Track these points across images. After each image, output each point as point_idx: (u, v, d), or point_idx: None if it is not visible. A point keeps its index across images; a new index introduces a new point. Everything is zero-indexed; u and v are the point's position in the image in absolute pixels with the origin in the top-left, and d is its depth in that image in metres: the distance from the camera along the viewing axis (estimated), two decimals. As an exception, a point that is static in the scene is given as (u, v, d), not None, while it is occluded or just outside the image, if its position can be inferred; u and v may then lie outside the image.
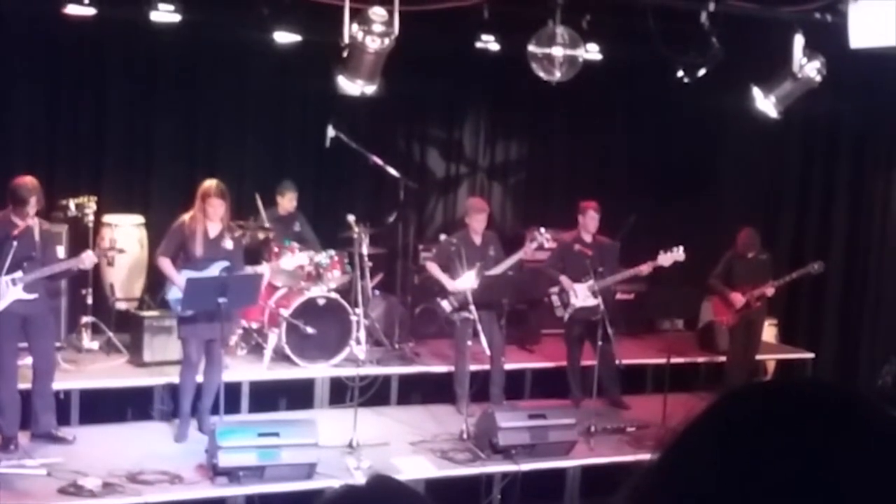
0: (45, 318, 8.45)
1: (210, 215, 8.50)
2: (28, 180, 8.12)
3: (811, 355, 12.18)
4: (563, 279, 10.12)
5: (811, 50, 9.28)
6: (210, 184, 8.59)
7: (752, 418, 1.01)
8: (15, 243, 7.87)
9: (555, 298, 10.25)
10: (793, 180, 13.11)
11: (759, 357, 11.40)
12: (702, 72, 9.61)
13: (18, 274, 8.00)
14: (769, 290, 10.79)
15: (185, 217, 8.60)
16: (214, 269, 8.54)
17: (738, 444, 0.99)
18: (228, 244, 8.64)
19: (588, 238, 10.27)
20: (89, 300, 9.91)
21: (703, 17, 8.88)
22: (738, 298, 10.69)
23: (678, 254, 9.96)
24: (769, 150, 12.89)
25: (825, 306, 12.57)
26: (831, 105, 11.49)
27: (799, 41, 9.18)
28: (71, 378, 9.11)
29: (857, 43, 7.26)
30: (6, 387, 8.10)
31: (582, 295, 10.01)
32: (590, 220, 10.22)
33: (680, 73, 9.77)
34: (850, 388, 1.04)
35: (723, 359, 11.26)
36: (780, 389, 1.08)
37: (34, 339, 8.25)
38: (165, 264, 8.59)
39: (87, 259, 8.42)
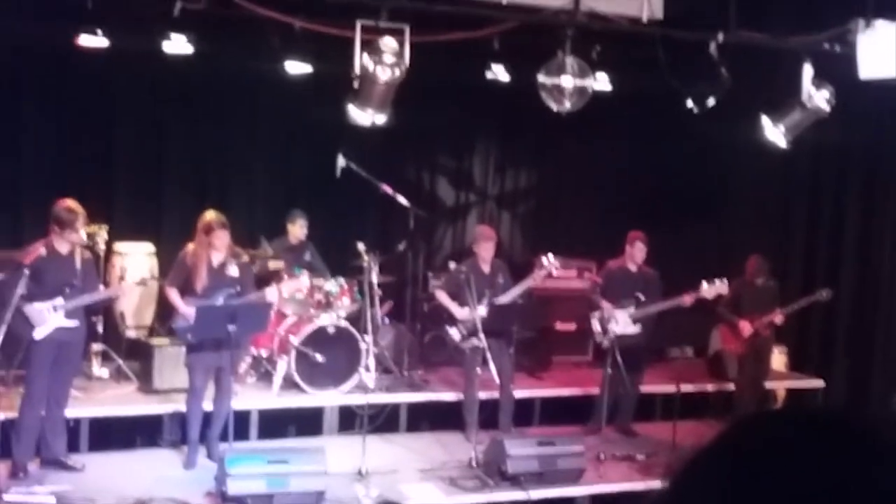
0: (79, 347, 8.47)
1: (217, 247, 8.53)
2: (72, 203, 8.09)
3: (821, 383, 12.15)
4: (605, 304, 10.11)
5: (820, 80, 9.30)
6: (211, 217, 8.57)
7: (762, 446, 1.01)
8: (27, 271, 7.84)
9: (595, 324, 10.25)
10: (803, 209, 13.11)
11: (768, 385, 11.37)
12: (711, 101, 9.65)
13: (59, 301, 8.02)
14: (778, 318, 10.77)
15: (189, 248, 8.61)
16: (220, 298, 8.56)
17: (749, 472, 0.99)
18: (234, 271, 8.66)
19: (633, 268, 10.28)
20: (100, 328, 9.93)
21: (712, 47, 8.91)
22: (747, 326, 10.68)
23: (722, 286, 9.97)
24: (779, 179, 12.90)
25: (835, 334, 12.54)
26: (841, 134, 11.51)
27: (808, 71, 9.21)
28: (81, 405, 9.10)
29: (866, 73, 7.29)
30: (31, 413, 8.11)
31: (622, 322, 10.01)
32: (637, 250, 10.23)
33: (689, 103, 9.81)
34: (860, 414, 1.04)
35: (732, 387, 11.22)
36: (791, 417, 1.08)
37: (61, 365, 8.20)
38: (173, 294, 8.60)
39: (128, 288, 8.49)
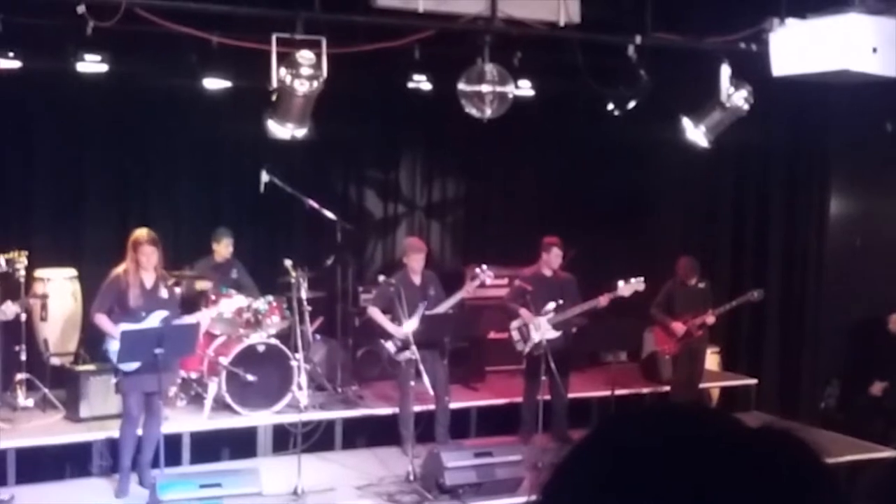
0: None
1: (143, 264, 8.38)
2: None
3: (754, 381, 12.25)
4: (524, 312, 10.07)
5: (738, 79, 9.39)
6: (140, 232, 8.48)
7: (616, 451, 1.05)
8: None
9: (515, 333, 10.21)
10: (729, 209, 13.23)
11: (702, 385, 11.43)
12: (631, 104, 9.71)
13: None
14: (710, 319, 10.82)
15: (119, 270, 8.46)
16: (153, 320, 8.42)
17: (607, 478, 1.03)
18: (164, 293, 8.54)
19: (548, 273, 10.25)
20: (23, 357, 9.70)
21: (631, 50, 8.96)
22: (680, 327, 10.73)
23: (638, 284, 9.99)
24: (704, 178, 13.00)
25: (766, 332, 12.66)
26: (763, 133, 11.63)
27: (725, 71, 9.30)
28: (7, 436, 8.90)
29: (779, 71, 7.38)
30: None
31: (543, 328, 9.97)
32: (554, 256, 10.21)
33: (610, 106, 9.85)
34: (712, 415, 1.09)
35: (667, 388, 11.28)
36: (642, 420, 1.11)
37: None
38: (103, 320, 8.42)
39: (9, 310, 8.32)
